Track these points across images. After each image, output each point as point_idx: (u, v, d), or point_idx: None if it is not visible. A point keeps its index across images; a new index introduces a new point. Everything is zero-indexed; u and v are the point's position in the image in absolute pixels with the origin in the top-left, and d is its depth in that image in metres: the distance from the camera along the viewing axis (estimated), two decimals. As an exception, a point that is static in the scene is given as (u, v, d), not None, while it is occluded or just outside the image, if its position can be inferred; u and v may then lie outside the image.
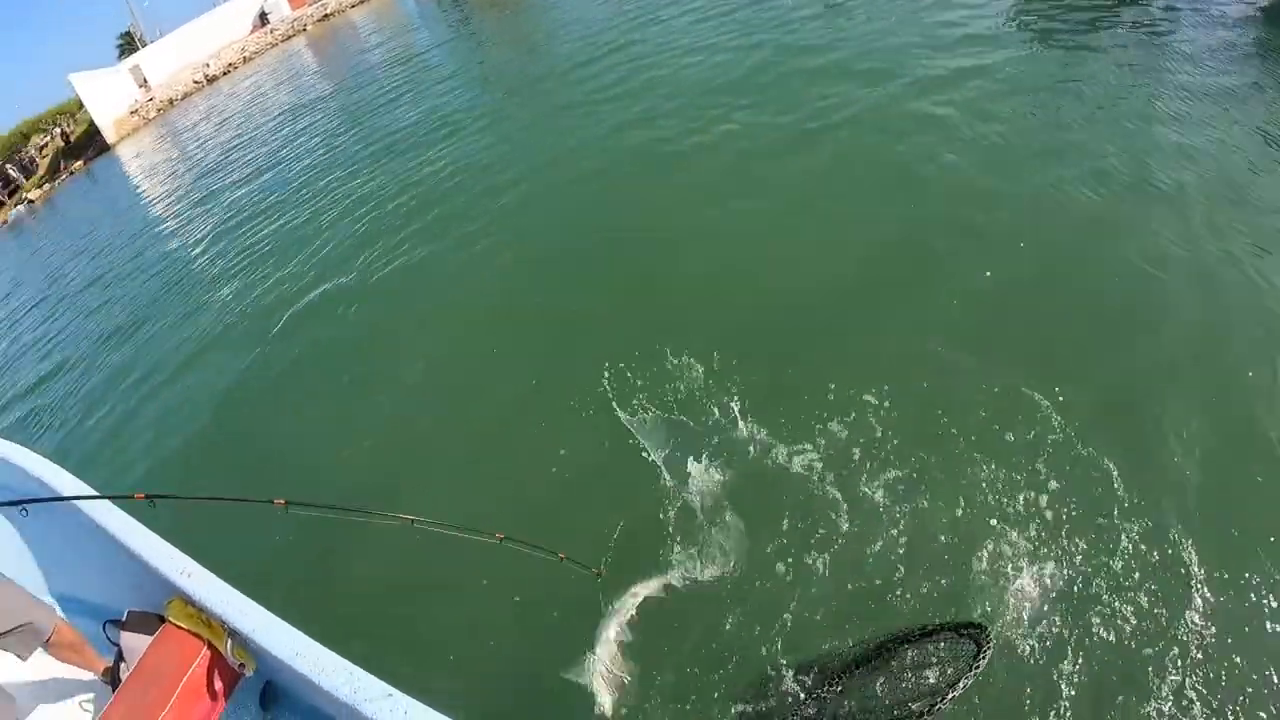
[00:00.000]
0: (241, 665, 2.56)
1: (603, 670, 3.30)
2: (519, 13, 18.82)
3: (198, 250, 11.76)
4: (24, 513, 3.75)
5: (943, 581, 3.20)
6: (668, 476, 4.04)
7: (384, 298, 7.20)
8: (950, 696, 1.38)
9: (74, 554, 3.45)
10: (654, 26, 12.26)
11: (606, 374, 4.83)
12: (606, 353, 4.98)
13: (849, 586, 3.33)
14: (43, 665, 3.31)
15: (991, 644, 1.49)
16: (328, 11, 38.60)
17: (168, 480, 5.93)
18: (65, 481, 3.32)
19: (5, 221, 31.41)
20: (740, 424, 4.19)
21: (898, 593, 3.22)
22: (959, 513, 3.48)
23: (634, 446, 4.28)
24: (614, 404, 4.58)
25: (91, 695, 3.32)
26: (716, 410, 4.31)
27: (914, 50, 8.18)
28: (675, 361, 4.74)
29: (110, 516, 2.99)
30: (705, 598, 3.47)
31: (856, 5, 10.04)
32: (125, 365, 8.73)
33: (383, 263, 7.82)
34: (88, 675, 3.21)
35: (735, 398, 4.35)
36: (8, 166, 35.06)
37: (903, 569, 3.32)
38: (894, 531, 3.48)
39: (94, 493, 3.24)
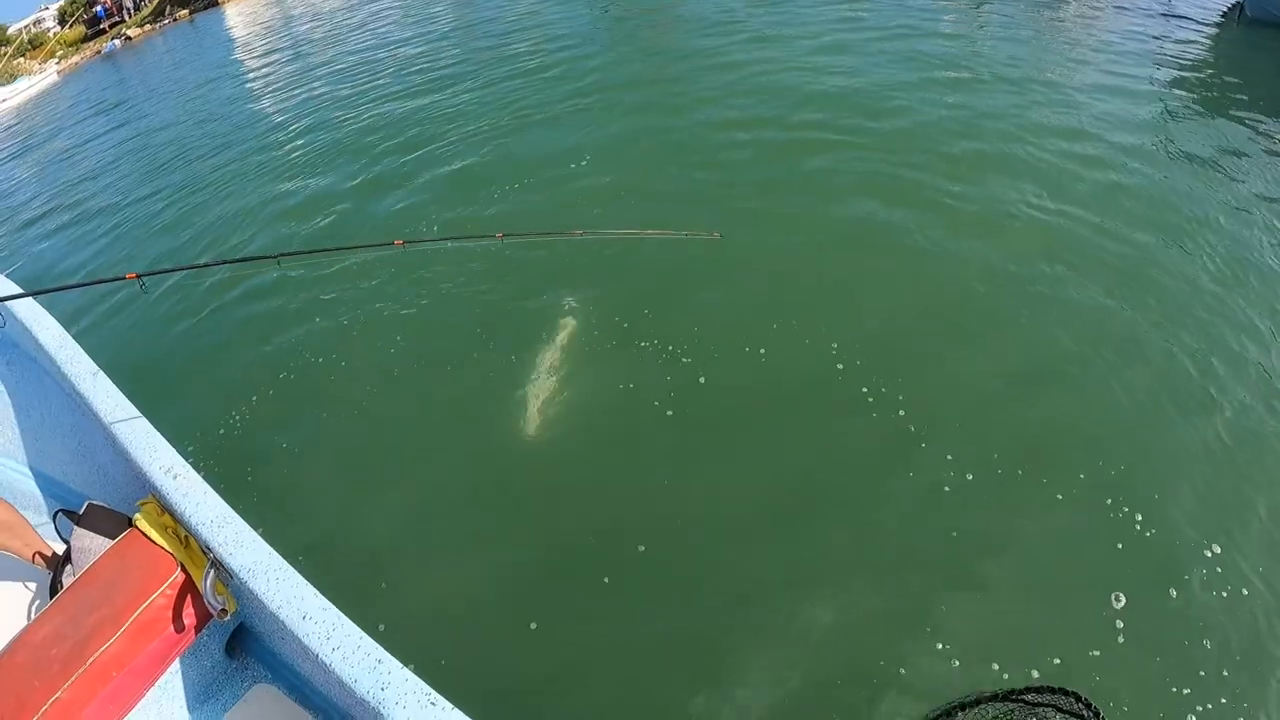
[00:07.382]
0: (223, 610, 1.91)
1: None
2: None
3: (261, 110, 11.58)
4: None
5: None
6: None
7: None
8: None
9: (39, 417, 2.78)
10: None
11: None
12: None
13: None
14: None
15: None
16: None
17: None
18: (51, 331, 2.58)
19: (99, 52, 31.39)
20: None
21: None
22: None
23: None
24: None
25: (33, 586, 2.64)
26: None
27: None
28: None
29: (94, 382, 2.33)
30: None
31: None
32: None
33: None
34: (26, 564, 2.56)
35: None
36: (117, -3, 34.90)
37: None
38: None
39: (73, 343, 2.49)
